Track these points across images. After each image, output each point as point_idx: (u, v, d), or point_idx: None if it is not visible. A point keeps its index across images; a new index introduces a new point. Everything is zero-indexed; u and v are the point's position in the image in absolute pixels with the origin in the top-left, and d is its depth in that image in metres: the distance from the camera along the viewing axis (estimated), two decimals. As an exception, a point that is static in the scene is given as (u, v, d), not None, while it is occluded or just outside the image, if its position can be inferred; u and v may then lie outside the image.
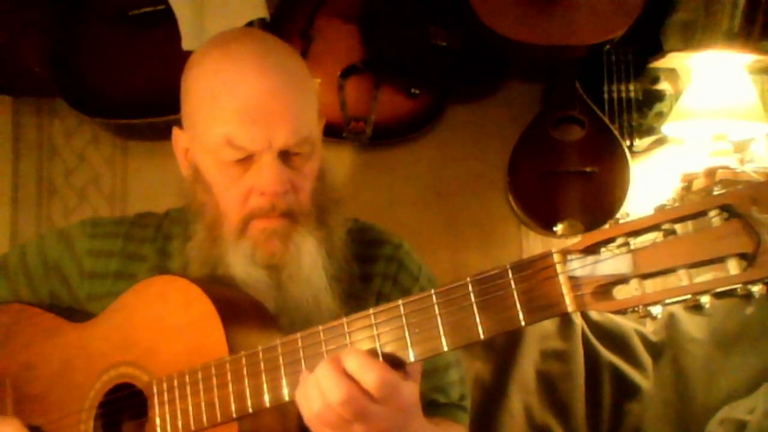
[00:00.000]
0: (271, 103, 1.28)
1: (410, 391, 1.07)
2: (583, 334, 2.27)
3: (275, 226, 1.32)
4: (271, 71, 1.30)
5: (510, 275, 0.97)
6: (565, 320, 2.26)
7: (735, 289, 0.84)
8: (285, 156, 1.31)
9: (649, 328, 2.34)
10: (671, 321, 2.30)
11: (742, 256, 0.83)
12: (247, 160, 1.30)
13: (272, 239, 1.32)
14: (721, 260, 0.84)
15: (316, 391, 1.04)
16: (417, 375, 1.09)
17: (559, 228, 2.49)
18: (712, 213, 0.84)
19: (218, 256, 1.34)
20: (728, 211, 0.84)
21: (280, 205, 1.31)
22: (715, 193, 0.83)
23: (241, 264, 1.31)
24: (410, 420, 1.10)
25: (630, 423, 2.26)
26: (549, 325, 2.27)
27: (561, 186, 2.50)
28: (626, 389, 2.27)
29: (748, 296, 0.83)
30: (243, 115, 1.27)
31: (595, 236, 0.92)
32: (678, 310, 2.29)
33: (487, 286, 0.98)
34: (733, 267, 0.83)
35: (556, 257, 0.94)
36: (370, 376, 1.02)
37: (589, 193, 2.49)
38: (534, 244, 2.61)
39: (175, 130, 1.43)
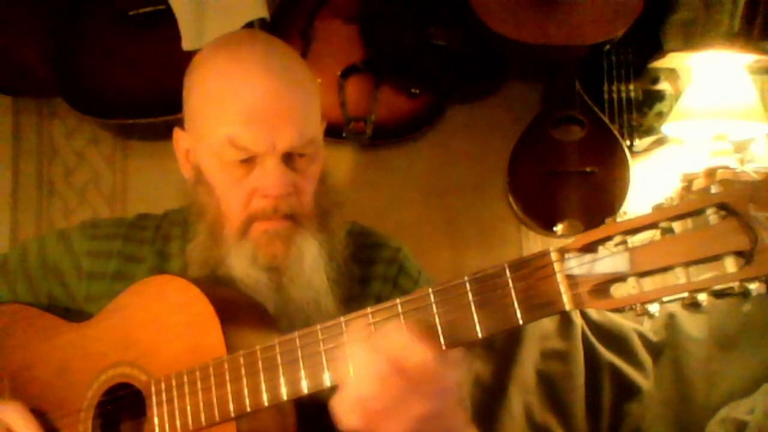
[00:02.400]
0: (276, 105, 1.28)
1: (454, 377, 1.02)
2: (583, 334, 2.27)
3: (277, 228, 1.31)
4: (277, 74, 1.30)
5: (508, 274, 0.97)
6: (565, 320, 2.26)
7: (732, 287, 0.84)
8: (288, 158, 1.31)
9: (647, 327, 2.34)
10: (671, 321, 2.30)
11: (739, 254, 0.83)
12: (250, 162, 1.30)
13: (274, 241, 1.31)
14: (718, 258, 0.84)
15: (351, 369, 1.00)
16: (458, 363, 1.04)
17: (559, 228, 2.49)
18: (709, 211, 0.84)
19: (219, 258, 1.34)
20: (725, 209, 0.83)
21: (283, 207, 1.31)
22: (712, 191, 0.83)
23: (242, 266, 1.31)
24: (454, 410, 1.05)
25: (630, 423, 2.26)
26: (549, 324, 2.27)
27: (561, 186, 2.50)
28: (626, 389, 2.27)
29: (745, 294, 0.83)
30: (248, 117, 1.27)
31: (593, 235, 0.92)
32: (678, 310, 2.29)
33: (485, 284, 0.98)
34: (730, 265, 0.83)
35: (554, 256, 0.94)
36: (413, 356, 0.98)
37: (589, 193, 2.49)
38: (534, 244, 2.61)
39: (177, 131, 1.43)
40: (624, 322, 2.31)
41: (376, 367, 0.97)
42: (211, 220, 1.35)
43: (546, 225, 2.51)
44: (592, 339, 2.28)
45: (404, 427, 0.99)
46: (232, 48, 1.34)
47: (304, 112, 1.32)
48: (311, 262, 1.33)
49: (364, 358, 0.99)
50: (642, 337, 2.32)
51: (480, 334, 0.99)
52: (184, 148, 1.42)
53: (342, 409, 1.00)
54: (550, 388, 2.25)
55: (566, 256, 0.93)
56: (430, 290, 1.01)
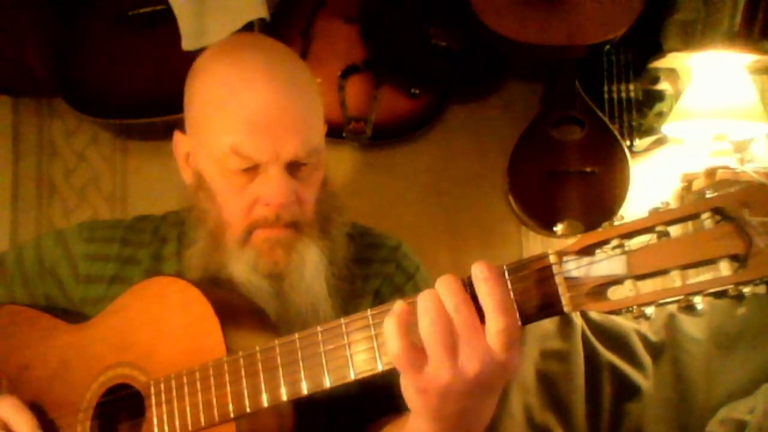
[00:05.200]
0: (281, 115, 1.28)
1: (515, 357, 0.98)
2: (583, 334, 2.27)
3: (279, 236, 1.32)
4: (281, 82, 1.30)
5: (506, 276, 0.97)
6: (565, 320, 2.26)
7: (727, 290, 0.85)
8: (291, 167, 1.31)
9: (644, 327, 2.33)
10: (671, 321, 2.30)
11: (733, 258, 0.84)
12: (253, 170, 1.30)
13: (276, 249, 1.32)
14: (713, 262, 0.85)
15: (432, 303, 0.97)
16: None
17: (559, 228, 2.49)
18: (705, 216, 0.85)
19: (220, 264, 1.34)
20: (720, 213, 0.84)
21: (285, 216, 1.31)
22: (707, 196, 0.84)
23: (244, 272, 1.32)
24: (504, 382, 1.03)
25: (630, 423, 2.26)
26: (549, 325, 2.27)
27: (561, 186, 2.50)
28: (626, 389, 2.26)
29: (739, 297, 0.84)
30: (252, 126, 1.27)
31: (590, 238, 0.93)
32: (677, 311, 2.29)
33: (484, 287, 0.98)
34: (725, 268, 0.84)
35: (552, 258, 0.95)
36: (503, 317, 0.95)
37: (589, 193, 2.49)
38: (534, 244, 2.61)
39: (177, 135, 1.43)
40: (624, 322, 2.31)
41: (450, 302, 0.96)
42: (212, 227, 1.35)
43: (546, 225, 2.51)
44: (592, 339, 2.28)
45: (443, 378, 0.97)
46: (235, 54, 1.33)
47: (308, 121, 1.32)
48: (312, 269, 1.33)
49: (447, 290, 0.98)
50: (642, 337, 2.31)
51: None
52: (184, 151, 1.42)
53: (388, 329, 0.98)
54: (550, 388, 2.25)
55: (564, 258, 0.94)
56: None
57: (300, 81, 1.33)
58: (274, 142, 1.27)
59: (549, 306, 0.95)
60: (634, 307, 0.90)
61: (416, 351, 0.97)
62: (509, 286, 0.97)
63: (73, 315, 1.42)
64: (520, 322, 0.96)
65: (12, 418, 1.29)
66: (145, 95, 2.35)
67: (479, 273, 0.97)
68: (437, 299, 0.97)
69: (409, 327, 0.97)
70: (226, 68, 1.32)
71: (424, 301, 0.97)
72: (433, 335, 0.96)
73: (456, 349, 0.96)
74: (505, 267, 0.98)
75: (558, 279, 0.94)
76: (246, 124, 1.27)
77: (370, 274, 1.48)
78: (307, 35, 2.46)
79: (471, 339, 0.95)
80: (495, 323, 0.94)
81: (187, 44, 2.29)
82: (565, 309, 0.94)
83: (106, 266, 1.46)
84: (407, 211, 2.60)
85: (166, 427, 1.20)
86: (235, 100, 1.28)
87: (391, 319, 0.97)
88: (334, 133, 2.42)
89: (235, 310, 1.24)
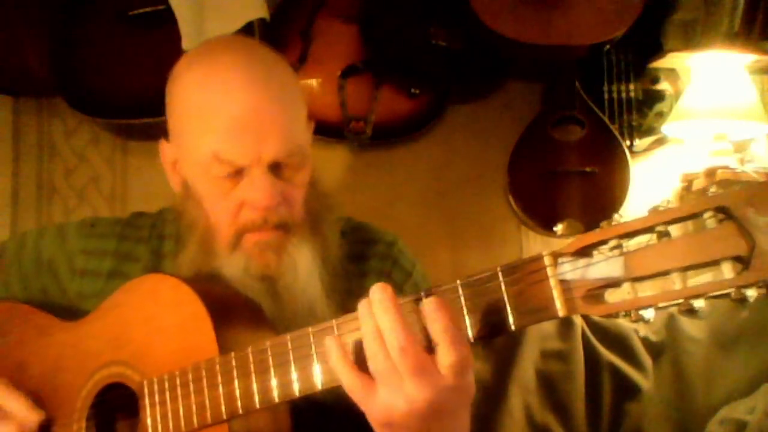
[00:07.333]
0: (259, 116, 1.26)
1: (466, 380, 1.00)
2: (583, 335, 2.27)
3: (268, 239, 1.30)
4: (259, 83, 1.28)
5: (500, 278, 0.95)
6: (565, 320, 2.26)
7: (729, 293, 0.82)
8: (275, 168, 1.29)
9: (644, 327, 2.33)
10: (671, 321, 2.29)
11: (736, 259, 0.81)
12: (237, 174, 1.28)
13: (266, 252, 1.30)
14: (715, 263, 0.82)
15: (378, 345, 0.98)
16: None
17: (559, 228, 2.48)
18: (707, 215, 0.82)
19: (212, 270, 1.33)
20: (723, 212, 0.81)
21: (273, 218, 1.29)
22: (710, 194, 0.82)
23: (236, 276, 1.30)
24: (467, 403, 1.05)
25: (630, 423, 2.26)
26: (549, 325, 2.27)
27: (561, 186, 2.50)
28: (626, 389, 2.26)
29: (742, 300, 0.81)
30: (231, 130, 1.25)
31: (587, 238, 0.90)
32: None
33: (477, 289, 0.97)
34: (727, 270, 0.81)
35: (547, 260, 0.92)
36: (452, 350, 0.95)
37: (589, 193, 2.49)
38: (534, 244, 2.61)
39: (162, 143, 1.41)
40: (624, 322, 2.31)
41: (392, 331, 0.97)
42: (201, 232, 1.34)
43: (546, 225, 2.51)
44: (592, 339, 2.28)
45: (399, 408, 0.97)
46: (210, 58, 1.31)
47: (289, 120, 1.30)
48: (305, 269, 1.31)
49: (386, 319, 0.98)
50: (642, 337, 2.31)
51: (471, 338, 0.97)
52: (171, 159, 1.40)
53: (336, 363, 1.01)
54: (550, 389, 2.25)
55: (560, 260, 0.91)
56: (422, 293, 1.00)
57: (278, 80, 1.31)
58: (254, 145, 1.25)
59: (543, 309, 0.92)
60: (632, 310, 0.87)
61: (367, 379, 0.99)
62: (503, 288, 0.95)
63: (68, 311, 1.41)
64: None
65: (4, 399, 1.29)
66: (145, 95, 2.33)
67: (430, 305, 0.96)
68: (381, 339, 0.97)
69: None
70: (203, 73, 1.29)
71: (368, 341, 0.98)
72: (382, 372, 0.97)
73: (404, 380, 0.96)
74: (498, 268, 0.96)
75: (552, 282, 0.92)
76: (225, 129, 1.25)
77: (367, 270, 1.47)
78: (307, 35, 2.46)
79: (421, 373, 0.95)
80: (447, 357, 0.95)
81: (187, 44, 2.28)
82: (560, 313, 0.91)
83: (103, 261, 1.45)
84: (407, 211, 2.59)
85: (159, 428, 1.19)
86: (213, 106, 1.26)
87: (334, 354, 1.01)
88: (334, 133, 2.41)
89: (229, 307, 1.22)
